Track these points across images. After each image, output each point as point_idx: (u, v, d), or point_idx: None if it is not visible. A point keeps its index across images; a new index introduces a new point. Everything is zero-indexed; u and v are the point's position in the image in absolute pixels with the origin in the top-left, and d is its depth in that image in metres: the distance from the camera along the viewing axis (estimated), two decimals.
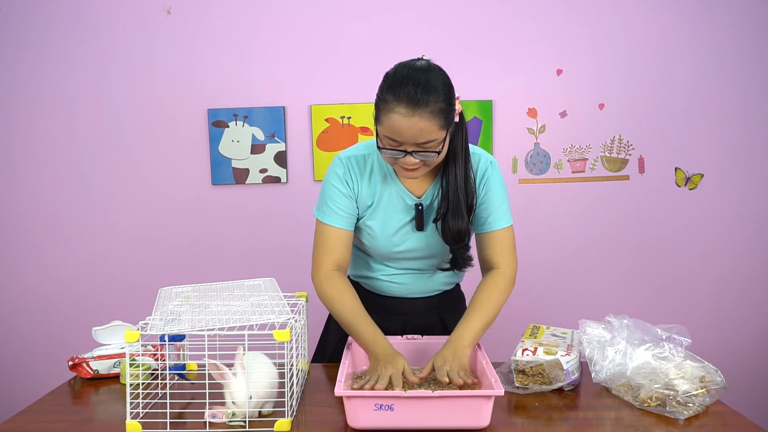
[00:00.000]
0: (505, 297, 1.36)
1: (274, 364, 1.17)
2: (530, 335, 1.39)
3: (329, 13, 2.54)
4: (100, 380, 1.39)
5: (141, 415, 1.12)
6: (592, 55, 2.53)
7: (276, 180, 2.60)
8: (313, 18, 2.54)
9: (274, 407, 1.15)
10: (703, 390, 1.15)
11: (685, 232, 2.60)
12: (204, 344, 1.08)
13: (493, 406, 1.08)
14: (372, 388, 1.10)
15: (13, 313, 2.69)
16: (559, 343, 1.32)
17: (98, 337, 1.44)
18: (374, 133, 1.28)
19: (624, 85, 2.54)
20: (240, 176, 2.60)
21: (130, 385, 1.09)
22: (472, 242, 1.46)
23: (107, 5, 2.55)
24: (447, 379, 1.14)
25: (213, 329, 1.07)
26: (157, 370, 1.31)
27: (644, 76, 2.53)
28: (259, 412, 1.13)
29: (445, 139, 1.24)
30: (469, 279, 1.55)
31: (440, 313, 1.56)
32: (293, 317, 1.11)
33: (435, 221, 1.37)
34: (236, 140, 2.58)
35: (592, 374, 1.26)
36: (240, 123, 2.57)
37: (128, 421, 1.07)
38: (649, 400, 1.16)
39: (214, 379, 1.09)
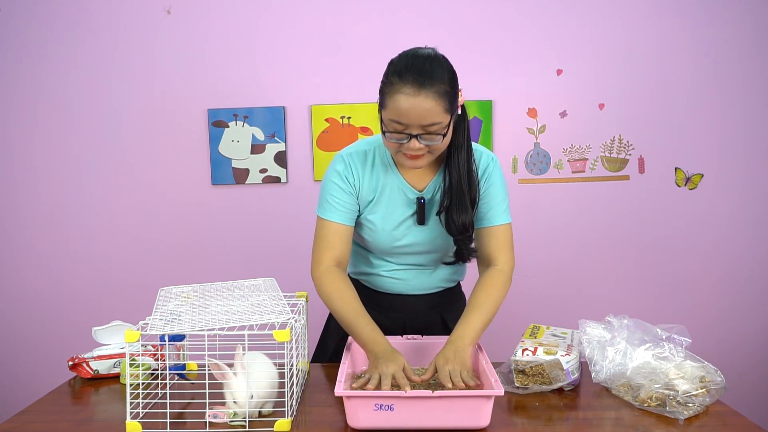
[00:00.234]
0: (503, 294, 1.36)
1: (274, 364, 1.17)
2: (530, 335, 1.39)
3: (329, 13, 2.54)
4: (100, 380, 1.39)
5: (141, 415, 1.12)
6: (592, 55, 2.53)
7: (276, 180, 2.60)
8: (313, 18, 2.54)
9: (274, 407, 1.15)
10: (703, 390, 1.15)
11: (685, 232, 2.60)
12: (204, 344, 1.08)
13: (493, 406, 1.08)
14: (374, 387, 1.09)
15: (13, 313, 2.69)
16: (559, 343, 1.32)
17: (98, 337, 1.44)
18: (379, 122, 1.28)
19: (624, 85, 2.54)
20: (240, 176, 2.60)
21: (130, 385, 1.09)
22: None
23: (107, 5, 2.55)
24: (451, 385, 1.11)
25: (213, 329, 1.07)
26: (157, 370, 1.31)
27: (644, 76, 2.53)
28: (259, 412, 1.13)
29: (449, 125, 1.24)
30: (469, 279, 1.54)
31: (441, 312, 1.55)
32: (293, 317, 1.11)
33: (438, 214, 1.37)
34: (236, 140, 2.58)
35: (592, 374, 1.26)
36: (240, 123, 2.57)
37: (128, 421, 1.07)
38: (649, 400, 1.16)
39: (215, 379, 1.09)
